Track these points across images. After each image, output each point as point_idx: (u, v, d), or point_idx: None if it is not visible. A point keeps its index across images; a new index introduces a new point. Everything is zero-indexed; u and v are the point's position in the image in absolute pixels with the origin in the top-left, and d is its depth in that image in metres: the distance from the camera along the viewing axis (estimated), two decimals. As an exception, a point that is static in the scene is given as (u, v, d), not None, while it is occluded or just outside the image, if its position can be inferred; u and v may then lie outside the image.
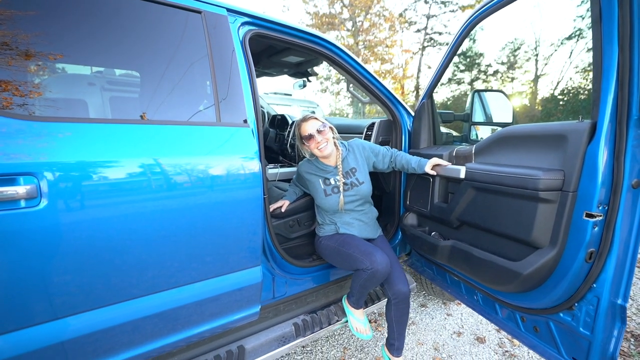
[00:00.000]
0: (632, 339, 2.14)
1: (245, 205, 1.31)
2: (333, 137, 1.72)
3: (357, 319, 1.73)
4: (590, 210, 1.05)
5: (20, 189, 0.86)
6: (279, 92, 7.23)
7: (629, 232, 1.05)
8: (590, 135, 1.05)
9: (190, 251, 1.21)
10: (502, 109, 1.96)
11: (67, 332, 1.00)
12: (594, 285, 1.09)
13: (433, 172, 1.69)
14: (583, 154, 1.06)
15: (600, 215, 1.04)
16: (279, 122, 3.49)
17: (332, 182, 1.71)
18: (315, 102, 7.77)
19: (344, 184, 1.70)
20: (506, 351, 2.09)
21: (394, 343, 1.74)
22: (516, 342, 2.18)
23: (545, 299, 1.22)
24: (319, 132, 1.64)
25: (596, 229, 1.06)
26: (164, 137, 1.14)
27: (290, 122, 3.25)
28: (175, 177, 1.13)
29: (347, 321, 1.76)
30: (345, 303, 1.79)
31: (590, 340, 1.11)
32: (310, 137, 1.64)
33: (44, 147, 0.93)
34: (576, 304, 1.14)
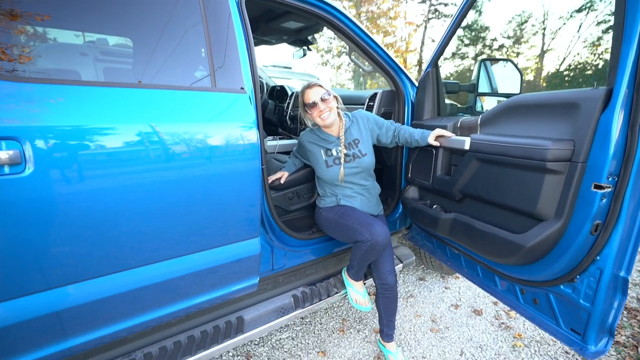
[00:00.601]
0: (625, 311, 2.17)
1: (242, 176, 1.27)
2: (337, 107, 1.66)
3: (357, 291, 1.73)
4: (599, 181, 1.01)
5: (1, 154, 0.82)
6: (278, 65, 7.02)
7: (638, 204, 1.02)
8: (605, 103, 0.99)
9: (185, 222, 1.17)
10: (509, 80, 1.87)
11: (60, 302, 0.98)
12: (598, 258, 1.07)
13: (436, 143, 1.64)
14: (596, 123, 1.01)
15: (609, 187, 1.01)
16: (278, 94, 3.38)
17: (334, 153, 1.66)
18: (316, 75, 7.57)
19: (346, 155, 1.66)
20: (502, 323, 2.12)
21: (384, 329, 1.77)
22: (512, 314, 2.21)
23: (546, 271, 1.21)
24: (322, 100, 1.58)
25: (604, 200, 1.02)
26: (155, 101, 1.08)
27: (289, 93, 3.14)
28: (168, 145, 1.07)
29: (346, 293, 1.77)
30: (345, 275, 1.79)
31: (589, 312, 1.11)
32: (313, 105, 1.59)
33: (28, 111, 0.87)
34: (578, 277, 1.13)
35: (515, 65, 1.84)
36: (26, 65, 0.99)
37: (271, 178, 1.72)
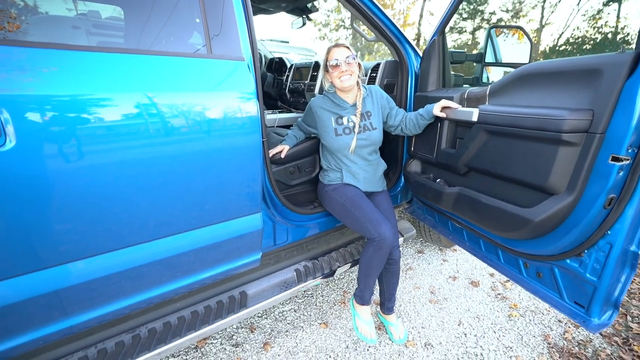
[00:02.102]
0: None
1: (242, 150, 1.22)
2: (358, 75, 1.61)
3: (363, 320, 1.65)
4: (618, 153, 0.97)
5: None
6: (276, 39, 6.74)
7: None
8: (632, 69, 0.94)
9: (184, 198, 1.13)
10: (518, 49, 1.79)
11: (59, 281, 0.94)
12: (609, 232, 1.05)
13: (442, 115, 1.58)
14: (619, 91, 0.96)
15: (628, 159, 0.97)
16: (277, 66, 3.24)
17: (345, 121, 1.62)
18: (314, 50, 7.29)
19: (357, 125, 1.62)
20: (498, 294, 2.17)
21: (385, 303, 1.78)
22: (508, 285, 2.26)
23: (553, 246, 1.20)
24: (346, 62, 1.53)
25: (621, 173, 0.99)
26: (145, 68, 1.00)
27: (288, 65, 3.01)
28: (161, 116, 1.00)
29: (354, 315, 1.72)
30: (352, 302, 1.73)
31: (596, 286, 1.11)
32: (336, 64, 1.54)
33: (7, 77, 0.79)
34: (586, 251, 1.12)
35: (526, 33, 1.75)
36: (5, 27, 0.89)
37: (272, 152, 1.66)
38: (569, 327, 1.90)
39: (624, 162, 0.98)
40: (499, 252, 1.50)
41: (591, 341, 1.81)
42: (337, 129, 1.61)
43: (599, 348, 1.76)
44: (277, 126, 2.47)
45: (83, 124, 0.88)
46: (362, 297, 1.66)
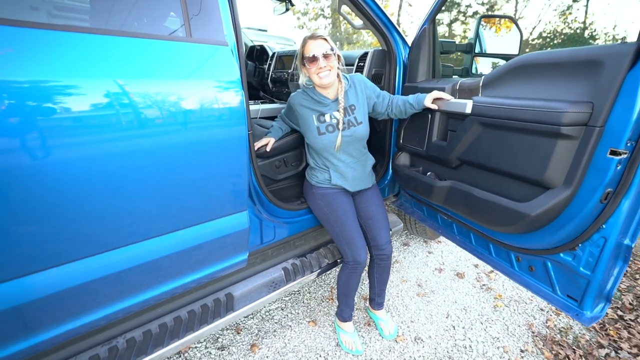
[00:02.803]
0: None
1: (226, 143, 1.12)
2: (338, 68, 1.46)
3: (347, 333, 1.69)
4: (617, 147, 0.96)
5: None
6: (253, 28, 6.49)
7: None
8: (634, 60, 0.92)
9: (164, 197, 1.02)
10: (508, 39, 1.77)
11: (16, 296, 0.83)
12: (604, 226, 1.05)
13: (434, 106, 1.53)
14: (621, 83, 0.94)
15: (626, 153, 0.96)
16: (258, 54, 3.09)
17: (327, 119, 1.49)
18: (292, 39, 7.08)
19: (340, 122, 1.50)
20: (483, 285, 2.20)
21: (375, 298, 1.77)
22: (492, 276, 2.30)
23: (547, 240, 1.19)
24: (324, 56, 1.38)
25: (619, 167, 0.98)
26: (116, 52, 0.88)
27: (270, 53, 2.87)
28: (134, 105, 0.89)
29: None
30: (336, 320, 1.77)
31: (589, 280, 1.11)
32: (313, 59, 1.38)
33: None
34: (580, 245, 1.12)
35: (516, 23, 1.73)
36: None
37: (257, 145, 1.55)
38: (551, 314, 1.95)
39: (622, 156, 0.96)
40: (490, 246, 1.49)
41: (571, 328, 1.87)
42: (319, 127, 1.48)
43: (579, 334, 1.82)
44: (259, 117, 2.35)
45: (43, 114, 0.76)
46: (342, 312, 1.69)
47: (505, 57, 1.81)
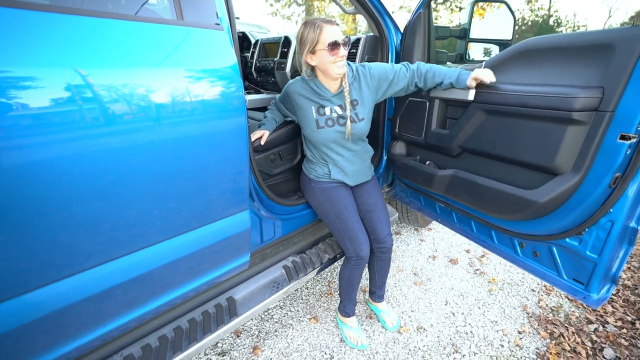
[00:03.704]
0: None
1: (226, 136, 1.03)
2: None
3: (350, 328, 1.66)
4: (629, 131, 0.96)
5: None
6: None
7: None
8: None
9: (159, 200, 0.92)
10: (501, 24, 1.75)
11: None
12: (611, 210, 1.06)
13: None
14: (633, 67, 0.93)
15: (635, 137, 0.96)
16: (240, 41, 2.92)
17: (328, 112, 1.39)
18: (266, 27, 6.83)
19: (341, 117, 1.40)
20: (477, 269, 2.24)
21: (375, 291, 1.75)
22: (484, 260, 2.34)
23: (554, 226, 1.20)
24: (344, 44, 1.26)
25: (628, 152, 0.98)
26: (102, 37, 0.76)
27: (253, 41, 2.72)
28: (122, 98, 0.78)
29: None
30: (338, 316, 1.73)
31: (596, 263, 1.13)
32: (336, 45, 1.24)
33: None
34: (587, 229, 1.13)
35: (509, 8, 1.71)
36: None
37: (252, 137, 1.45)
38: (542, 295, 2.02)
39: (632, 141, 0.97)
40: (492, 233, 1.50)
41: (562, 306, 1.94)
42: (318, 121, 1.38)
43: (569, 312, 1.89)
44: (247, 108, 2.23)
45: (12, 113, 0.64)
46: (346, 311, 1.66)
47: (499, 42, 1.80)
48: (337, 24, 1.28)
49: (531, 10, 14.09)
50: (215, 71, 0.96)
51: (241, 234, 1.18)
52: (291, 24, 16.39)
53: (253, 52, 2.65)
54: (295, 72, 2.35)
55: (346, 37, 1.28)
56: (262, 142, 1.49)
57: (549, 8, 13.74)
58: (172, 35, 0.89)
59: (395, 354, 1.59)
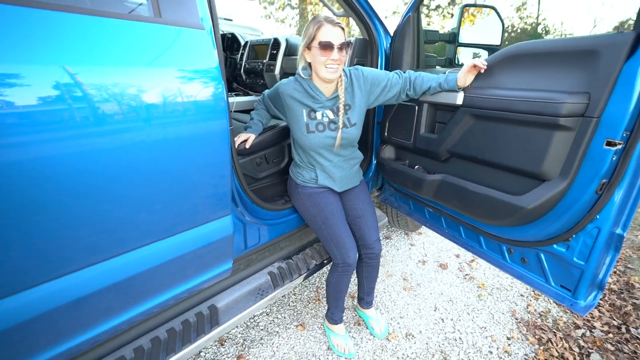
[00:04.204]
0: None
1: (207, 139, 0.99)
2: (344, 63, 1.31)
3: (338, 335, 1.63)
4: (614, 137, 0.95)
5: None
6: (218, 17, 6.10)
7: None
8: (631, 50, 0.90)
9: (132, 205, 0.88)
10: (490, 29, 1.75)
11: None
12: (597, 217, 1.05)
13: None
14: (618, 73, 0.92)
15: (621, 143, 0.96)
16: (229, 43, 2.88)
17: (319, 116, 1.35)
18: (259, 29, 6.80)
19: (332, 122, 1.36)
20: (466, 274, 2.23)
21: (364, 297, 1.73)
22: (473, 265, 2.34)
23: (541, 232, 1.19)
24: (340, 47, 1.21)
25: (614, 158, 0.98)
26: (74, 33, 0.72)
27: (242, 42, 2.68)
28: (94, 99, 0.74)
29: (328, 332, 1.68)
30: (325, 323, 1.70)
31: (583, 269, 1.12)
32: (328, 46, 1.19)
33: None
34: (574, 236, 1.12)
35: (498, 13, 1.71)
36: None
37: (237, 141, 1.41)
38: (530, 300, 2.01)
39: (618, 147, 0.96)
40: (480, 239, 1.48)
41: (550, 311, 1.94)
42: (309, 125, 1.34)
43: (557, 317, 1.89)
44: (234, 111, 2.20)
45: None
46: (333, 315, 1.63)
47: (488, 47, 1.80)
48: (342, 27, 1.22)
49: (520, 18, 14.37)
50: (194, 72, 0.93)
51: (223, 240, 1.15)
52: (285, 27, 16.41)
53: (242, 54, 2.62)
54: (285, 75, 2.33)
55: (347, 42, 1.23)
56: (247, 146, 1.44)
57: (537, 16, 14.03)
58: (149, 33, 0.85)
59: (383, 362, 1.56)
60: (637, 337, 1.74)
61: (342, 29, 1.23)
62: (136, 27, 0.82)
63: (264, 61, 2.39)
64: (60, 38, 0.69)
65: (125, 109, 0.79)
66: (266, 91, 1.53)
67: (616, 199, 1.02)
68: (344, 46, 1.23)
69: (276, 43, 2.36)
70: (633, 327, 1.81)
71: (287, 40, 2.33)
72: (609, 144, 0.97)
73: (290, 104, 1.35)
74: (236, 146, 1.39)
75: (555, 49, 1.07)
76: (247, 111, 2.10)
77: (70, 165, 0.73)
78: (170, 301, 1.06)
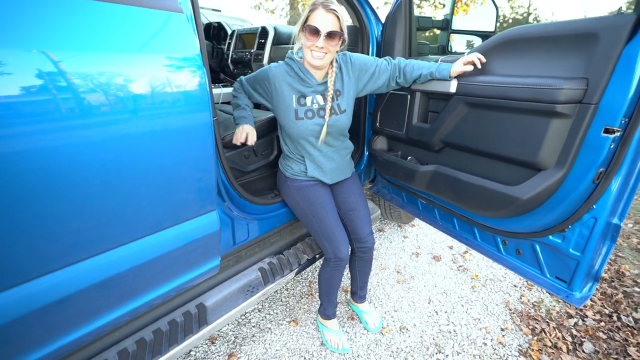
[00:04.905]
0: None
1: (188, 132, 0.93)
2: (337, 51, 1.26)
3: (331, 331, 1.60)
4: (613, 124, 0.92)
5: None
6: (206, 7, 5.96)
7: (638, 146, 0.97)
8: (632, 33, 0.86)
9: (112, 202, 0.83)
10: (483, 15, 1.71)
11: None
12: (594, 207, 1.02)
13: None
14: (618, 57, 0.89)
15: (619, 131, 0.93)
16: (215, 32, 2.79)
17: (309, 102, 1.29)
18: (248, 20, 6.66)
19: (322, 109, 1.30)
20: (460, 266, 2.22)
21: (357, 292, 1.70)
22: (467, 256, 2.33)
23: (537, 223, 1.16)
24: (328, 35, 1.15)
25: (612, 146, 0.95)
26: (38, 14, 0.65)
27: (229, 32, 2.59)
28: (66, 86, 0.68)
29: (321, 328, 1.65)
30: (318, 318, 1.66)
31: (579, 261, 1.10)
32: (314, 32, 1.14)
33: None
34: (570, 226, 1.10)
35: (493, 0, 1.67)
36: None
37: (238, 139, 1.26)
38: (524, 290, 2.01)
39: (616, 134, 0.93)
40: (474, 230, 1.46)
41: (542, 301, 1.94)
42: (297, 111, 1.28)
43: (550, 307, 1.89)
44: (221, 102, 2.12)
45: None
46: (327, 314, 1.60)
47: (482, 34, 1.76)
48: (337, 16, 1.15)
49: (511, 8, 14.34)
50: (174, 59, 0.87)
51: (209, 236, 1.09)
52: (275, 17, 16.12)
53: (229, 43, 2.53)
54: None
55: (337, 31, 1.16)
56: (251, 143, 1.28)
57: (529, 6, 14.03)
58: (122, 17, 0.79)
59: (377, 357, 1.54)
60: (628, 325, 1.75)
61: (337, 17, 1.15)
62: (100, 7, 0.75)
63: (252, 51, 2.31)
64: (15, 18, 0.63)
65: (95, 100, 0.73)
66: (243, 77, 1.40)
67: (613, 188, 1.00)
68: (334, 35, 1.16)
69: (264, 32, 2.28)
70: (624, 315, 1.82)
71: (275, 29, 2.25)
72: (607, 131, 0.94)
73: (280, 88, 1.27)
74: (239, 144, 1.27)
75: (551, 32, 1.03)
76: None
77: (39, 161, 0.67)
78: (156, 300, 1.01)
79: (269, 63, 2.25)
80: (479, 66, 1.20)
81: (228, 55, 2.51)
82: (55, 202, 0.72)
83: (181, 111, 0.89)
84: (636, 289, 2.02)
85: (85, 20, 0.72)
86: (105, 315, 0.91)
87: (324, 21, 1.14)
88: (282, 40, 2.24)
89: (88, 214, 0.78)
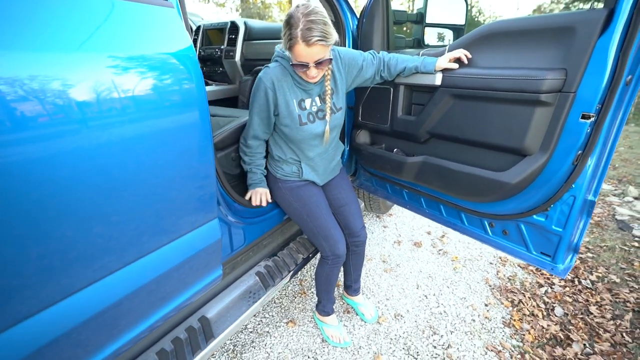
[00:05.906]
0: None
1: (189, 133, 0.87)
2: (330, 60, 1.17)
3: (331, 326, 1.61)
4: (589, 111, 1.01)
5: None
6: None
7: (611, 130, 1.08)
8: (604, 26, 0.95)
9: (108, 221, 0.75)
10: (454, 10, 1.78)
11: None
12: (573, 186, 1.13)
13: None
14: (592, 48, 0.97)
15: (594, 116, 1.02)
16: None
17: (308, 105, 1.26)
18: (199, 14, 6.31)
19: (320, 110, 1.28)
20: (440, 249, 2.34)
21: (352, 285, 1.73)
22: (444, 240, 2.45)
23: (523, 204, 1.25)
24: (317, 64, 1.09)
25: (588, 130, 1.04)
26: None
27: (194, 27, 2.44)
28: (51, 90, 0.60)
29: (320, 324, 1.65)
30: (316, 316, 1.66)
31: (561, 236, 1.21)
32: (302, 66, 1.10)
33: None
34: (552, 206, 1.20)
35: (462, -7, 1.74)
36: None
37: (255, 202, 1.34)
38: (499, 267, 2.17)
39: (592, 119, 1.03)
40: (462, 216, 1.54)
41: (516, 275, 2.11)
42: (301, 116, 1.23)
43: (523, 279, 2.07)
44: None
45: None
46: (325, 310, 1.61)
47: (453, 27, 1.83)
48: (323, 45, 1.05)
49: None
50: (171, 55, 0.80)
51: (212, 245, 1.04)
52: (225, 11, 15.50)
53: (195, 40, 2.39)
54: (247, 61, 2.17)
55: (327, 58, 1.10)
56: (265, 204, 1.35)
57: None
58: (108, 11, 0.70)
59: (378, 346, 1.57)
60: (587, 287, 1.97)
61: (324, 45, 1.06)
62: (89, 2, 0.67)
63: (222, 47, 2.20)
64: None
65: (81, 103, 0.64)
66: (245, 137, 1.33)
67: (589, 167, 1.10)
68: (323, 62, 1.10)
69: (234, 27, 2.18)
70: (583, 279, 2.04)
71: (246, 24, 2.16)
72: (584, 117, 1.03)
73: (281, 96, 1.20)
74: (255, 205, 1.33)
75: (531, 26, 1.10)
76: (210, 102, 1.93)
77: (11, 177, 0.58)
78: (158, 322, 0.94)
79: (241, 60, 2.16)
80: (466, 62, 1.25)
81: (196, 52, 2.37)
82: (44, 225, 0.64)
83: (181, 109, 0.83)
84: (589, 254, 2.28)
85: (82, 19, 0.63)
86: (105, 349, 0.82)
87: (308, 54, 1.06)
88: (253, 36, 2.16)
89: (89, 236, 0.70)
